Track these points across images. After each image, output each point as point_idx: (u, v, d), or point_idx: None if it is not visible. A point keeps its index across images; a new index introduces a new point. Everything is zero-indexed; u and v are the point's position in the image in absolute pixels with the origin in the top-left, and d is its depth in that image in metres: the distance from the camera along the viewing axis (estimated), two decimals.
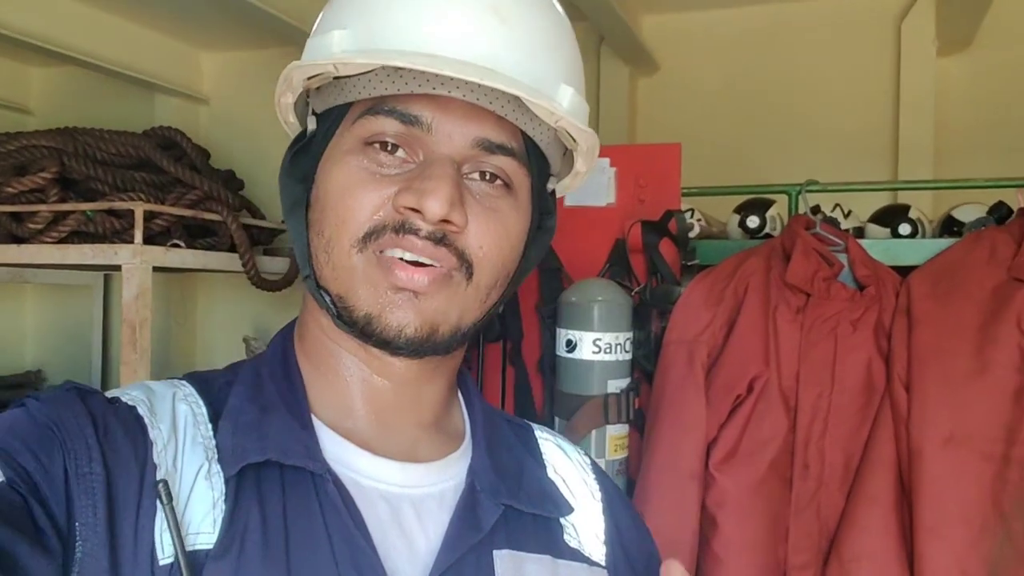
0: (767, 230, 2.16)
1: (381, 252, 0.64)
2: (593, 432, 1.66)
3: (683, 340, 1.72)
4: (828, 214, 2.11)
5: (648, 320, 1.82)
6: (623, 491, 0.85)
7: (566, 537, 0.74)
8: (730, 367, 1.68)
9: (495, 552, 0.68)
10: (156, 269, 2.24)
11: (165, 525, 0.57)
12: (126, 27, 3.17)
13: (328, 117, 0.70)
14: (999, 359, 1.57)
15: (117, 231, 2.24)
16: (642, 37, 3.22)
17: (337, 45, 0.66)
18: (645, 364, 1.79)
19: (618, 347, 1.68)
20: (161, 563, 0.57)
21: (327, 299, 0.68)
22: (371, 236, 0.64)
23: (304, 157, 0.71)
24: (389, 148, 0.66)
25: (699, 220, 2.21)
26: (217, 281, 3.60)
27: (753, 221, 2.17)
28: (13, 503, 0.53)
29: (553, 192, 0.78)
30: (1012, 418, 1.55)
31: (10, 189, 2.22)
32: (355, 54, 0.65)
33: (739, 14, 3.27)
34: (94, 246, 2.21)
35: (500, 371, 1.95)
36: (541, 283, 1.89)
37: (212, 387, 0.69)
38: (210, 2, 2.83)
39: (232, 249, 2.51)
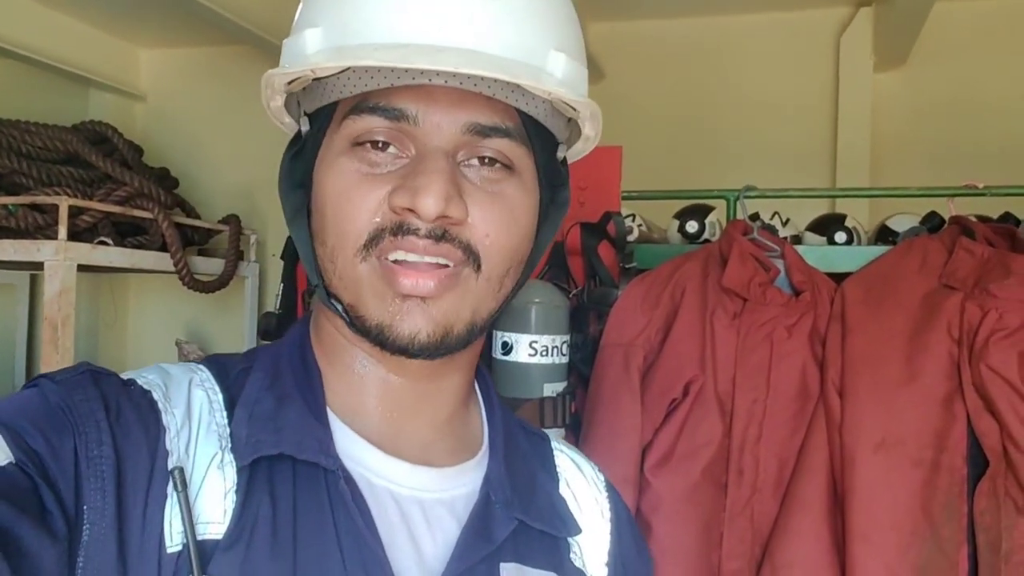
0: (706, 235, 2.17)
1: (384, 258, 0.62)
2: None
3: (619, 343, 1.70)
4: (767, 222, 2.12)
5: (586, 323, 1.80)
6: (632, 515, 0.84)
7: (571, 556, 0.73)
8: (666, 371, 1.66)
9: (502, 564, 0.67)
10: (82, 268, 2.16)
11: (175, 512, 0.57)
12: (62, 20, 3.09)
13: (318, 117, 0.67)
14: (929, 366, 1.58)
15: (41, 227, 2.16)
16: (588, 44, 3.22)
17: (311, 45, 0.63)
18: (582, 367, 1.77)
19: (555, 350, 1.66)
20: (169, 551, 0.56)
21: (339, 307, 0.66)
22: (372, 242, 0.62)
23: (300, 161, 0.69)
24: (380, 146, 0.63)
25: (640, 225, 2.21)
26: (149, 282, 3.50)
27: (692, 226, 2.17)
28: (20, 484, 0.52)
29: (564, 160, 0.74)
30: (942, 425, 1.55)
31: None
32: (328, 54, 0.62)
33: (684, 24, 3.31)
34: (16, 242, 2.14)
35: None
36: None
37: (229, 373, 0.68)
38: None
39: (164, 248, 2.44)
